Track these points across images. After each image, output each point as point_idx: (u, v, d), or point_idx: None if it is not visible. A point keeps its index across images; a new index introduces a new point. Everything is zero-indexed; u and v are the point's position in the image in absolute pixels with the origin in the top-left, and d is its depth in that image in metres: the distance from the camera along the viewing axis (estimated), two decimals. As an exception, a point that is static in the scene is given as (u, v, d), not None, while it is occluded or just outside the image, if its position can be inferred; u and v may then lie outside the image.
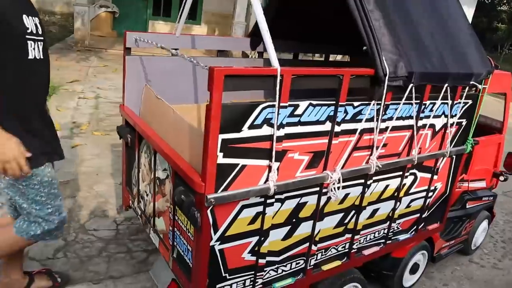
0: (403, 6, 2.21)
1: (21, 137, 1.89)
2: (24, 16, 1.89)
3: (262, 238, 1.91)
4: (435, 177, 2.69)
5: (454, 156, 2.77)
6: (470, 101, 2.61)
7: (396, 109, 2.14)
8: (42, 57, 2.00)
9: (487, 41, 25.25)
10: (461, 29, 2.52)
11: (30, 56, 1.92)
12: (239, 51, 3.03)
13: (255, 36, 3.00)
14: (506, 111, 3.49)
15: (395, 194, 2.48)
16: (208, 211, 1.67)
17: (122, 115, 2.55)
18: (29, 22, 1.91)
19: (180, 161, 1.83)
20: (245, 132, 1.63)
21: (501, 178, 3.68)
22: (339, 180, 2.00)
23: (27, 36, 1.89)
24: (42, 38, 2.00)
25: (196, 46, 2.76)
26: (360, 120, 2.00)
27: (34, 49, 1.94)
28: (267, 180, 1.77)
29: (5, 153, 1.81)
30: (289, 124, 1.75)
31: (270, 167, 1.76)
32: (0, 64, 1.82)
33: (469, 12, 16.30)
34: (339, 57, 4.34)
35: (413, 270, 3.13)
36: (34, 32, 1.94)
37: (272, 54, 1.64)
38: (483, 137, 3.25)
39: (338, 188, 2.01)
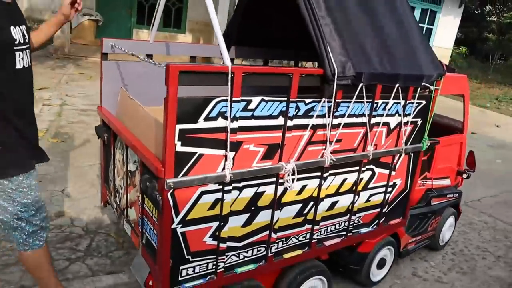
0: (355, 11, 2.41)
1: (10, 141, 2.01)
2: (12, 28, 1.98)
3: (222, 224, 2.08)
4: (393, 173, 2.87)
5: (412, 154, 2.95)
6: (424, 102, 2.81)
7: (348, 107, 2.34)
8: (30, 64, 2.11)
9: (478, 51, 25.50)
10: (413, 34, 2.73)
11: (18, 66, 2.01)
12: (219, 57, 3.21)
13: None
14: (466, 112, 3.69)
15: (353, 188, 2.65)
16: (169, 195, 1.84)
17: (99, 115, 2.73)
18: (17, 33, 2.00)
19: (145, 151, 2.01)
20: (201, 124, 1.82)
21: (464, 175, 3.87)
22: (293, 171, 2.18)
23: (15, 48, 1.98)
24: (28, 45, 2.10)
25: (170, 52, 2.96)
26: (312, 116, 2.19)
27: (22, 58, 2.03)
28: (224, 168, 1.96)
29: None
30: (243, 118, 1.94)
31: (226, 157, 1.94)
32: None
33: (455, 23, 16.70)
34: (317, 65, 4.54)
35: (380, 265, 3.29)
36: (22, 41, 2.03)
37: (224, 53, 1.84)
38: (444, 137, 3.45)
39: (293, 179, 2.19)
